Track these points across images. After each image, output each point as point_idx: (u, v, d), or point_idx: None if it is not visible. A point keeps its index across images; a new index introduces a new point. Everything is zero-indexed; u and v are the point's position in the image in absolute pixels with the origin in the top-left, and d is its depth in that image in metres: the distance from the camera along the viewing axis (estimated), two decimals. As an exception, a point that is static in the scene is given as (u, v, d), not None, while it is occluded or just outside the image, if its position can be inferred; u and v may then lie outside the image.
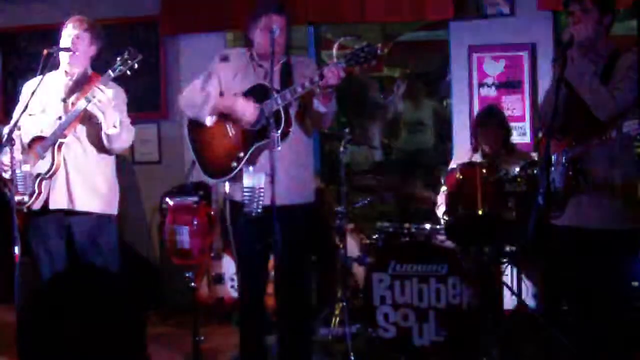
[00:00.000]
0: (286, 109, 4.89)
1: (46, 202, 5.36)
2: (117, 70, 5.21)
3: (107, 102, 5.23)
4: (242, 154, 4.96)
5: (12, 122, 5.25)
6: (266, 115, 4.75)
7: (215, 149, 5.07)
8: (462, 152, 6.78)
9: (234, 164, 4.97)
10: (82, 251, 5.40)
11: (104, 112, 5.23)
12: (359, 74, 4.85)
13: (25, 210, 5.32)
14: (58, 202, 5.37)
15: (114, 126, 5.26)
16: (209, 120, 5.03)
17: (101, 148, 5.40)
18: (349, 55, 4.70)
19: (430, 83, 10.17)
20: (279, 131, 4.83)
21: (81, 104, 5.24)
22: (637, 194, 4.63)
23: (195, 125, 5.14)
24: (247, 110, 4.91)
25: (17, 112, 5.34)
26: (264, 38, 4.96)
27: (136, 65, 5.24)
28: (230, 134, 5.03)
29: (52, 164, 5.31)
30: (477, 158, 6.39)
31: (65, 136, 5.32)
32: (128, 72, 5.25)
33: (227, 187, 5.15)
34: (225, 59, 5.19)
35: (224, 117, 5.03)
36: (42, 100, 5.40)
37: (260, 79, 5.04)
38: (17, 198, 5.21)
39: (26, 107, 5.23)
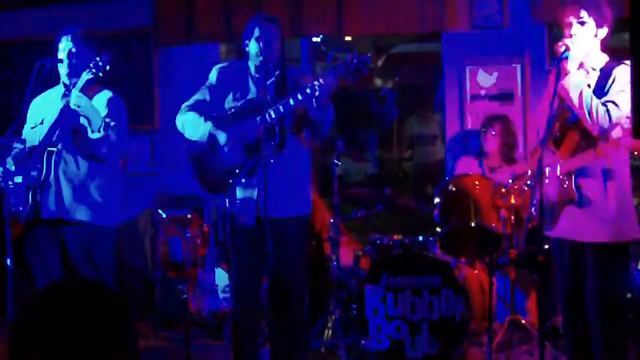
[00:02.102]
0: (281, 121, 4.90)
1: (40, 211, 5.34)
2: (89, 73, 5.22)
3: (88, 106, 5.20)
4: (238, 169, 4.96)
5: (6, 134, 5.25)
6: (260, 130, 4.75)
7: (213, 164, 5.08)
8: (454, 163, 6.80)
9: (231, 178, 4.97)
10: (76, 262, 5.38)
11: (87, 116, 5.20)
12: (352, 85, 4.83)
13: (23, 221, 5.30)
14: (50, 211, 5.34)
15: (99, 131, 5.23)
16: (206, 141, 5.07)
17: (92, 156, 5.37)
18: (341, 65, 4.70)
19: (422, 95, 10.21)
20: (274, 145, 4.85)
21: (60, 109, 5.24)
22: (631, 207, 4.64)
23: (193, 141, 5.15)
24: (237, 152, 4.95)
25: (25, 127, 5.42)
26: (256, 47, 5.00)
27: (108, 67, 5.23)
28: (227, 149, 5.04)
29: (42, 173, 5.28)
30: (481, 165, 6.42)
31: (53, 144, 5.31)
32: (100, 74, 5.24)
33: (223, 199, 5.15)
34: (221, 73, 5.21)
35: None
36: (42, 113, 5.43)
37: (256, 91, 5.05)
38: (14, 209, 5.21)
39: (20, 120, 5.24)
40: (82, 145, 5.31)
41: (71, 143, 5.34)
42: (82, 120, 5.23)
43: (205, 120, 5.07)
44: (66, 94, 5.37)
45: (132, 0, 7.93)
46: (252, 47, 5.07)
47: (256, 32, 5.05)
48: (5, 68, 8.37)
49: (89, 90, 5.34)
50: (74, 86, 5.31)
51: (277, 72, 5.11)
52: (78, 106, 5.17)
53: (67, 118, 5.25)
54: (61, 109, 5.25)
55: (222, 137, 5.03)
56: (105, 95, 5.43)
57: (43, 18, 7.98)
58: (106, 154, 5.32)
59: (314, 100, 4.75)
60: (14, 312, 4.91)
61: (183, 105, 5.23)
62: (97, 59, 5.21)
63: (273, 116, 4.85)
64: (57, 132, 5.28)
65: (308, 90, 4.77)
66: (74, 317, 2.08)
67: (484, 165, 6.49)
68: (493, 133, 6.49)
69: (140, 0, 7.89)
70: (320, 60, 8.45)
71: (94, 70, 5.21)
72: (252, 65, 5.12)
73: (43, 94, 5.51)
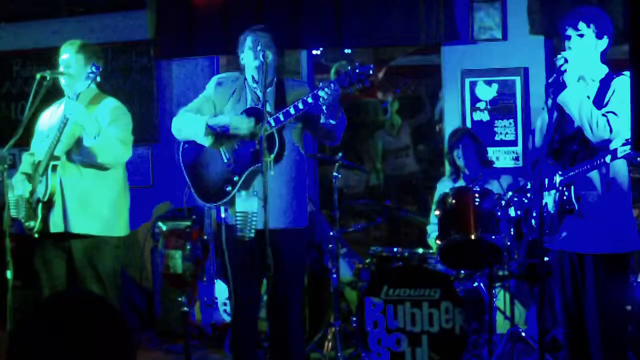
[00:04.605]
0: (280, 131, 4.91)
1: (46, 225, 5.35)
2: (83, 85, 5.25)
3: (82, 113, 5.21)
4: (236, 178, 4.96)
5: (6, 147, 5.26)
6: (260, 137, 4.74)
7: (210, 174, 5.08)
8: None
9: (229, 188, 4.97)
10: (81, 274, 5.38)
11: (83, 124, 5.22)
12: (354, 95, 4.85)
13: (36, 236, 5.33)
14: (56, 224, 5.35)
15: (94, 137, 5.24)
16: (203, 140, 5.04)
17: (96, 167, 5.37)
18: (342, 75, 4.71)
19: (423, 107, 10.21)
20: (273, 154, 4.85)
21: (58, 121, 5.26)
22: (631, 218, 4.64)
23: (189, 150, 5.15)
24: (241, 123, 4.93)
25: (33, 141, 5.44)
26: (251, 56, 5.02)
27: (98, 78, 5.28)
28: (225, 159, 5.04)
29: (47, 187, 5.30)
30: (460, 183, 6.40)
31: (57, 158, 5.32)
32: (93, 85, 5.28)
33: (221, 211, 5.15)
34: (219, 83, 5.22)
35: (218, 140, 5.04)
36: (47, 127, 5.45)
37: (254, 102, 5.06)
38: (26, 224, 5.25)
39: (20, 132, 5.25)
40: (82, 154, 5.32)
41: (73, 154, 5.35)
42: (81, 129, 5.25)
43: (201, 118, 5.07)
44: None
45: (132, 13, 7.95)
46: (247, 57, 5.09)
47: (249, 42, 5.07)
48: (6, 80, 8.38)
49: (94, 98, 5.38)
50: (72, 98, 5.35)
51: (274, 80, 5.12)
52: (71, 114, 5.19)
53: (68, 128, 5.27)
54: (61, 120, 5.26)
55: (223, 153, 5.04)
56: (108, 102, 5.46)
57: (44, 31, 8.00)
58: (107, 161, 5.34)
59: (324, 107, 4.77)
60: (13, 324, 4.91)
61: (180, 111, 5.24)
62: (88, 70, 5.26)
63: (273, 125, 4.86)
64: (59, 144, 5.29)
65: (309, 99, 4.78)
66: (72, 329, 2.08)
67: (465, 181, 6.45)
68: (463, 149, 6.42)
69: (141, 13, 7.90)
70: (321, 73, 8.46)
71: (87, 82, 5.24)
72: (249, 76, 5.14)
73: (49, 108, 5.53)
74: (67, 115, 5.20)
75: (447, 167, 7.11)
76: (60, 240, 5.39)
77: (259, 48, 4.98)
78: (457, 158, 6.46)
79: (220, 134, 5.02)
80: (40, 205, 5.32)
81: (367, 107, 10.32)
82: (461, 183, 6.41)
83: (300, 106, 4.82)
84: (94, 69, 5.27)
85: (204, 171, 5.11)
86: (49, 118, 5.54)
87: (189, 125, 5.11)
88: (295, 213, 5.13)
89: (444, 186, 6.44)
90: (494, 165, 6.61)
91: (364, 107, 10.23)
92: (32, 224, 5.32)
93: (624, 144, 4.23)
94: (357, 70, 4.70)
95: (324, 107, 4.78)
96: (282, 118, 4.87)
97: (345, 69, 4.75)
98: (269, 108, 4.93)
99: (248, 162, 4.94)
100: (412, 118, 10.03)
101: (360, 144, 10.23)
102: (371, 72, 4.72)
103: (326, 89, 4.70)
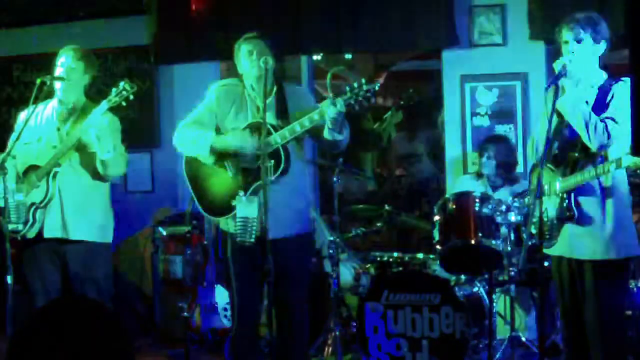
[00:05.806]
0: (284, 145, 4.91)
1: (41, 230, 5.35)
2: (112, 101, 5.20)
3: (106, 129, 5.22)
4: (241, 193, 4.95)
5: (6, 151, 5.24)
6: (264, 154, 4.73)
7: (215, 187, 5.08)
8: (455, 180, 6.81)
9: (234, 203, 4.94)
10: (76, 280, 5.38)
11: (100, 139, 5.22)
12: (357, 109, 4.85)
13: (19, 238, 5.31)
14: (52, 230, 5.35)
15: (108, 151, 5.25)
16: (207, 159, 5.05)
17: (96, 176, 5.39)
18: (348, 94, 4.71)
19: (425, 113, 10.20)
20: (279, 169, 4.87)
21: (77, 132, 5.25)
22: (630, 224, 4.63)
23: (193, 163, 5.14)
24: (246, 142, 4.94)
25: (11, 141, 5.35)
26: (247, 64, 5.02)
27: (131, 97, 5.23)
28: (230, 173, 5.03)
29: (47, 193, 5.30)
30: (480, 185, 6.41)
31: (59, 165, 5.32)
32: (123, 104, 5.24)
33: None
34: (220, 93, 5.20)
35: (223, 155, 5.04)
36: (37, 129, 5.42)
37: (254, 110, 5.06)
38: (11, 227, 5.20)
39: (19, 135, 5.24)
40: (93, 167, 5.33)
41: (78, 163, 5.36)
42: (95, 141, 5.24)
43: (205, 137, 5.07)
44: (63, 112, 5.39)
45: (132, 18, 7.95)
46: (244, 64, 5.09)
47: (244, 51, 5.07)
48: (7, 85, 8.39)
49: (85, 108, 5.36)
50: (65, 104, 5.36)
51: (273, 89, 5.11)
52: (98, 129, 5.18)
53: (82, 139, 5.27)
54: (74, 133, 5.26)
55: (228, 168, 5.05)
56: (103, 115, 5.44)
57: (45, 36, 8.00)
58: (117, 173, 5.38)
59: (329, 122, 4.78)
60: (13, 329, 4.90)
61: (181, 124, 5.23)
62: (121, 86, 5.20)
63: (279, 141, 4.87)
64: (63, 154, 5.29)
65: (315, 116, 4.80)
66: (72, 335, 2.08)
67: (486, 184, 6.47)
68: (487, 157, 6.45)
69: (141, 18, 7.90)
70: (321, 77, 8.45)
71: (116, 99, 5.20)
72: (247, 84, 5.14)
73: (35, 109, 5.42)
74: (93, 130, 5.19)
75: (447, 173, 7.13)
76: (54, 246, 5.39)
77: (254, 57, 5.00)
78: (481, 162, 6.49)
79: (225, 153, 5.03)
80: (32, 210, 5.32)
81: (363, 115, 10.32)
82: (482, 185, 6.42)
83: (307, 123, 4.84)
84: (127, 87, 5.22)
85: (208, 185, 5.11)
86: (37, 121, 5.48)
87: (192, 142, 5.10)
88: (300, 220, 5.13)
89: (465, 184, 6.46)
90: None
91: (360, 115, 10.23)
92: (19, 227, 5.30)
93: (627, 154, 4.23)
94: (364, 88, 4.70)
95: (329, 122, 4.79)
96: (287, 135, 4.88)
97: (350, 86, 4.74)
98: (270, 117, 4.93)
99: (253, 177, 4.93)
100: (428, 126, 10.04)
101: (361, 150, 10.24)
102: (377, 88, 4.74)
103: (332, 107, 4.71)
